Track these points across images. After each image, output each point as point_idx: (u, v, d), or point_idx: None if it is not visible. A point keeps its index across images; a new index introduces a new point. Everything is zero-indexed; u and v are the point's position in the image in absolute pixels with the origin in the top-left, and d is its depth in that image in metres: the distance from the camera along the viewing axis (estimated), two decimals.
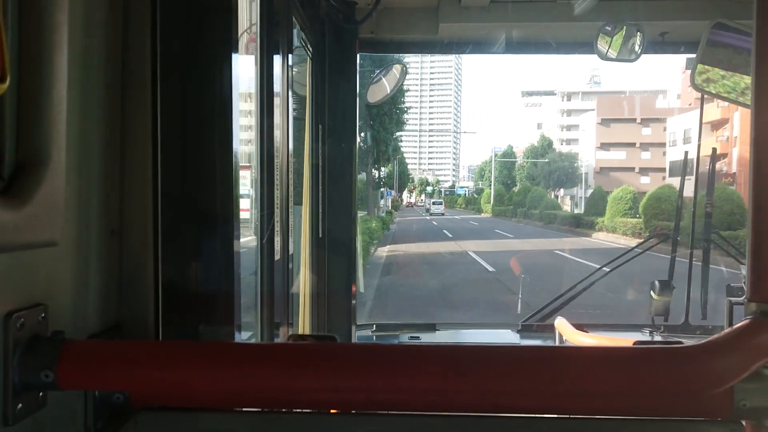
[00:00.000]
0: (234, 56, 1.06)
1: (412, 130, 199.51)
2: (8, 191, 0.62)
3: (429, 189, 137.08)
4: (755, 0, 0.75)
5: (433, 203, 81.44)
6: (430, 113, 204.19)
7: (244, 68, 1.62)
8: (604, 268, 3.25)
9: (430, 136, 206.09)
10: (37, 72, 0.64)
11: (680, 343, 0.76)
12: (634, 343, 0.78)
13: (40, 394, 0.75)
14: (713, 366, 0.72)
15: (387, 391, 0.79)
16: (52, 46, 0.65)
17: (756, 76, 0.76)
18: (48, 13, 0.64)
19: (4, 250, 0.63)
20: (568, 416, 0.87)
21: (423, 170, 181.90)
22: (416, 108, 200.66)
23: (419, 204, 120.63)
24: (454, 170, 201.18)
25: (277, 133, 1.74)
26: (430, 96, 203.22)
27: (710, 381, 0.72)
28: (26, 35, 0.63)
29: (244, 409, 0.89)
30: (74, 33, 0.73)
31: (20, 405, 0.71)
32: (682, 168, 3.15)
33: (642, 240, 3.37)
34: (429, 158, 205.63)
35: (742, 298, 0.81)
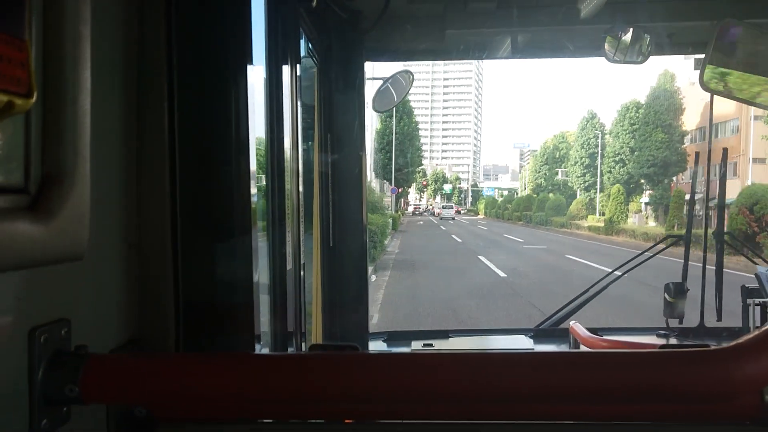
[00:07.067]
0: (249, 71, 1.07)
1: (423, 107, 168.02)
2: (35, 206, 0.62)
3: (447, 188, 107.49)
4: None
5: (443, 207, 74.10)
6: (444, 92, 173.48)
7: (256, 80, 1.63)
8: (616, 272, 3.22)
9: (444, 121, 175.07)
10: (62, 85, 0.64)
11: (707, 346, 0.75)
12: (660, 347, 0.77)
13: (64, 408, 0.75)
14: (744, 369, 0.71)
15: (410, 399, 0.79)
16: (76, 59, 0.65)
17: None
18: (72, 26, 0.64)
19: (32, 265, 0.63)
20: (591, 422, 0.86)
21: (437, 164, 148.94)
22: (428, 81, 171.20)
23: (433, 209, 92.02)
24: (474, 166, 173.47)
25: (287, 144, 1.75)
26: (444, 73, 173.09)
27: (741, 384, 0.71)
28: (50, 49, 0.63)
29: (266, 421, 0.89)
30: (94, 46, 0.74)
31: (45, 420, 0.71)
32: (693, 170, 3.14)
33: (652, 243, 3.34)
34: (443, 149, 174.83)
35: (763, 300, 0.80)
